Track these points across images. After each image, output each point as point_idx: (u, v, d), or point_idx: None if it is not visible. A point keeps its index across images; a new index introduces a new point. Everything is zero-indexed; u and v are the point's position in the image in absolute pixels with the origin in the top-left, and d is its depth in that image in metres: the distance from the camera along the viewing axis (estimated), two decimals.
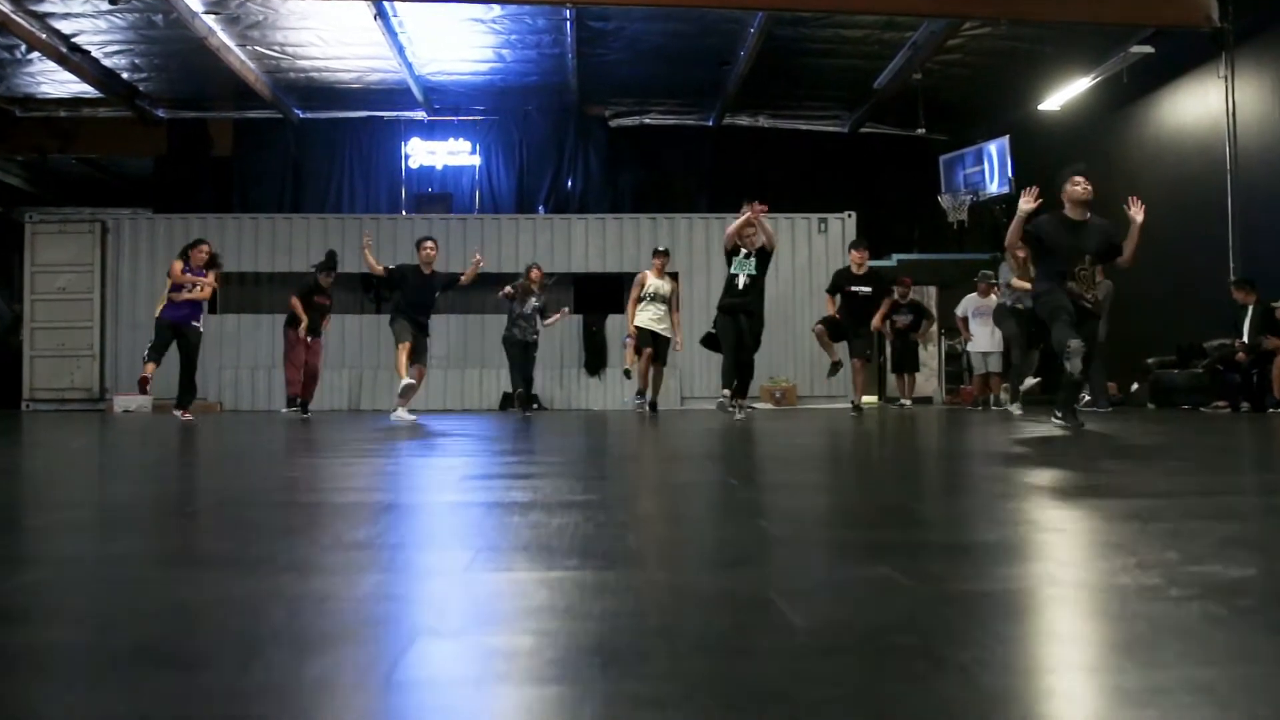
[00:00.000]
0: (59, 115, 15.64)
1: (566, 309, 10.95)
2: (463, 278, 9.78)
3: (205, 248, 9.74)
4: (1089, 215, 6.11)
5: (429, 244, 9.50)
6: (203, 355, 14.02)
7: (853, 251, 10.41)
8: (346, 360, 14.09)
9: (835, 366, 10.11)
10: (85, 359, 13.82)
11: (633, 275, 14.43)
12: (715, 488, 3.18)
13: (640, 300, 10.27)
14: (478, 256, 9.96)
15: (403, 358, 9.05)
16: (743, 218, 8.62)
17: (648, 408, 10.09)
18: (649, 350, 10.10)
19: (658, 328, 10.16)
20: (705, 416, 9.23)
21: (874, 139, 16.36)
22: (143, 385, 9.41)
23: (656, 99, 15.72)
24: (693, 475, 3.74)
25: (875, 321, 10.26)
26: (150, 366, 9.42)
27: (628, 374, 10.51)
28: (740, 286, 8.71)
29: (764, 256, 8.78)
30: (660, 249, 10.88)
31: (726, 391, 8.65)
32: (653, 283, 10.35)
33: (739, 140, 16.26)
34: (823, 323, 10.21)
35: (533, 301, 10.83)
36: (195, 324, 9.69)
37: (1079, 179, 6.07)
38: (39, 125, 15.66)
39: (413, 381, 9.11)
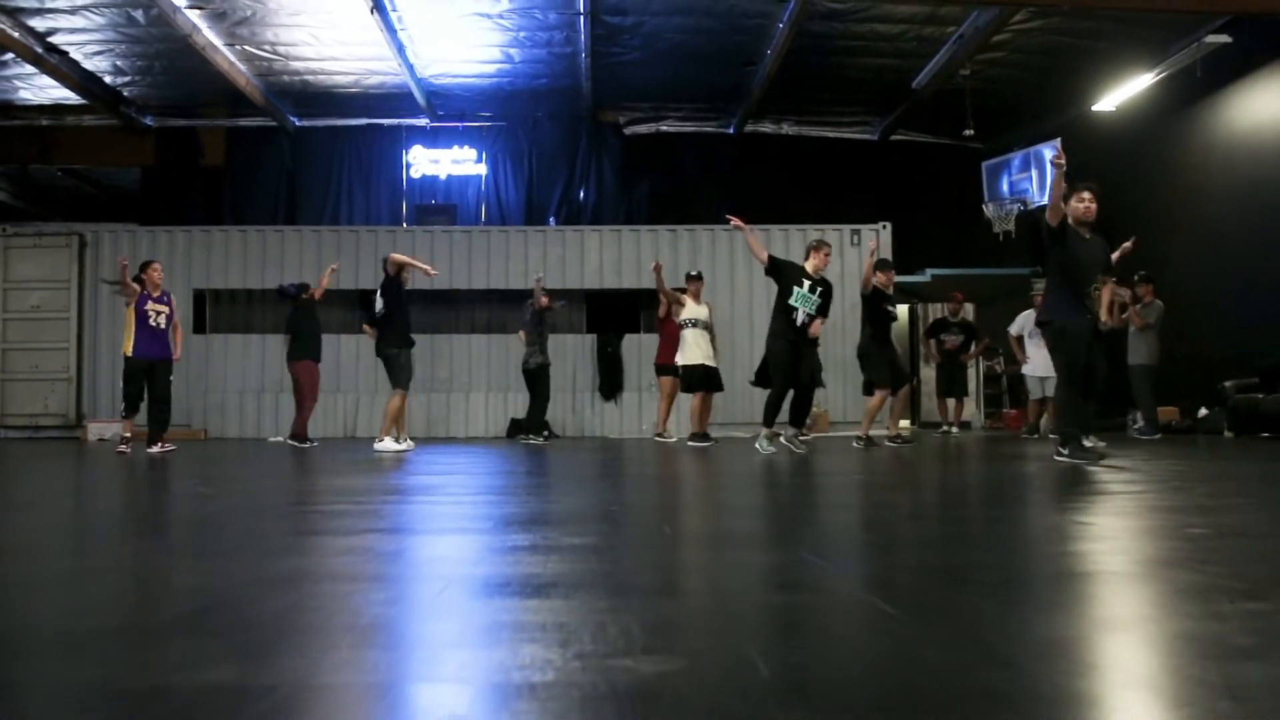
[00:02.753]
0: (40, 123, 14.75)
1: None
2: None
3: (157, 265, 8.53)
4: (1092, 234, 5.72)
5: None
6: (188, 378, 13.13)
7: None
8: (342, 385, 13.07)
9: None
10: (61, 383, 12.80)
11: (649, 292, 13.44)
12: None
13: (684, 326, 9.36)
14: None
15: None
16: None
17: (700, 442, 8.90)
18: (701, 393, 9.27)
19: (710, 362, 9.36)
20: (754, 453, 7.95)
21: (904, 146, 15.41)
22: (125, 442, 8.30)
23: (674, 104, 14.79)
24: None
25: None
26: (128, 423, 8.40)
27: (661, 436, 8.97)
28: (799, 323, 7.71)
29: (828, 295, 7.86)
30: (694, 273, 9.96)
31: (765, 430, 7.53)
32: (693, 309, 9.47)
33: (761, 148, 15.36)
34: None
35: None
36: (167, 358, 8.40)
37: (1086, 195, 5.60)
38: (18, 134, 14.76)
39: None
